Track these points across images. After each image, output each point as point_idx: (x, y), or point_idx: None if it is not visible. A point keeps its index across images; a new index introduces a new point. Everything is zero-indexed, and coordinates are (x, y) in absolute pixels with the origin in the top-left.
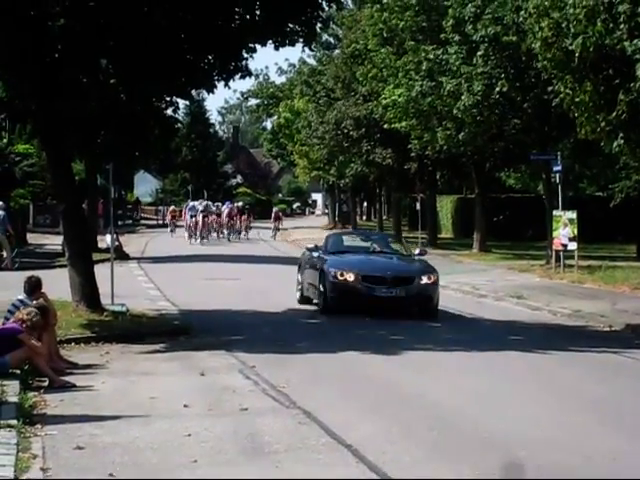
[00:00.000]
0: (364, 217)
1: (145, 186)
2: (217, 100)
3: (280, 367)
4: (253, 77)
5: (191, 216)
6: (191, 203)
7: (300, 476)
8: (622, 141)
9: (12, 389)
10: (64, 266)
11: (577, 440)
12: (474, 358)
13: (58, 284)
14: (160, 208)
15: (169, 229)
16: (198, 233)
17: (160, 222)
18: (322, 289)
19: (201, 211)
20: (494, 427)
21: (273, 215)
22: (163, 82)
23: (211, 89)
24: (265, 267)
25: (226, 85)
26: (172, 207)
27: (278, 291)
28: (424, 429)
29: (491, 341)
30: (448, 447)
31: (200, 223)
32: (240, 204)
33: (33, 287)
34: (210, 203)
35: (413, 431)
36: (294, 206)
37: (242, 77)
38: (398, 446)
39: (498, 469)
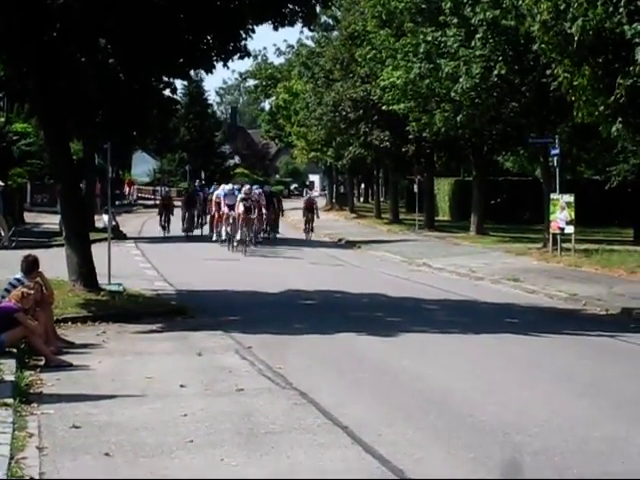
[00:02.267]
0: (361, 199)
1: (143, 166)
2: (215, 81)
3: (277, 348)
4: (251, 58)
5: (229, 207)
6: (223, 187)
7: (295, 457)
8: (620, 125)
9: (8, 368)
10: (61, 245)
11: (572, 424)
12: (470, 341)
13: (55, 263)
14: (157, 188)
15: (213, 233)
16: (238, 235)
17: (157, 202)
18: None
19: (241, 199)
20: (490, 410)
21: (305, 203)
22: (162, 62)
23: (210, 69)
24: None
25: (225, 65)
26: (217, 191)
27: (276, 272)
28: (420, 411)
29: (487, 324)
30: (444, 430)
31: (241, 219)
32: (266, 189)
33: (30, 266)
34: (253, 188)
35: (409, 413)
36: (292, 187)
37: (241, 57)
38: (394, 428)
39: (494, 453)
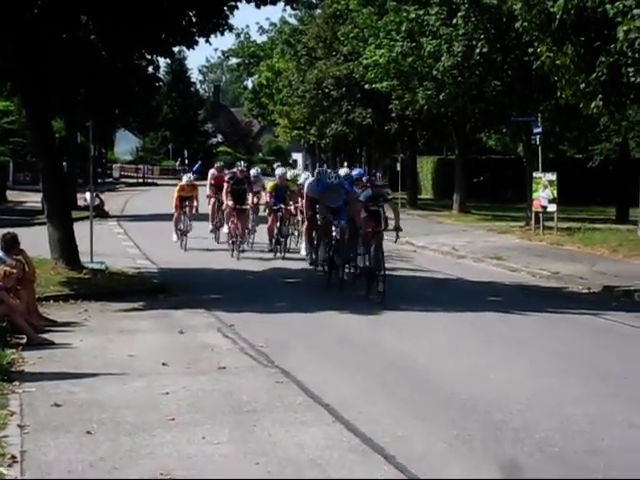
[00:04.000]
0: None
1: (125, 144)
2: (198, 59)
3: (259, 326)
4: (234, 36)
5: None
6: (254, 171)
7: (277, 435)
8: (601, 103)
9: None
10: (44, 224)
11: (554, 402)
12: (453, 319)
13: (37, 242)
14: (140, 167)
15: (212, 230)
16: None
17: (140, 180)
18: None
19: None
20: (472, 388)
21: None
22: (144, 39)
23: (192, 45)
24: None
25: (207, 41)
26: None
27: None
28: (402, 389)
29: (470, 302)
30: (426, 407)
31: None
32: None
33: (9, 244)
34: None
35: (391, 391)
36: (274, 165)
37: (222, 33)
38: (375, 406)
39: (476, 431)
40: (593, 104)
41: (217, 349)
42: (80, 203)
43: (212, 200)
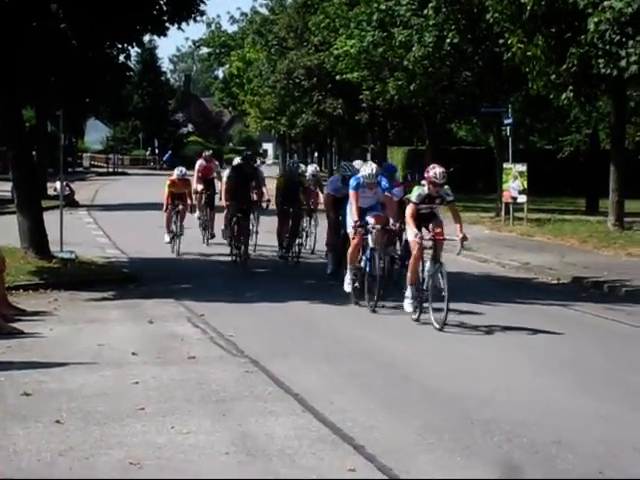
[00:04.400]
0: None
1: (96, 134)
2: (169, 48)
3: (229, 316)
4: (205, 26)
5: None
6: (312, 168)
7: (246, 425)
8: (571, 94)
9: None
10: (13, 213)
11: (522, 393)
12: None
13: (7, 231)
14: (110, 156)
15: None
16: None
17: (110, 170)
18: None
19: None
20: (442, 379)
21: None
22: (114, 27)
23: (162, 33)
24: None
25: (179, 28)
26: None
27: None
28: (371, 379)
29: None
30: (395, 397)
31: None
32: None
33: None
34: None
35: (361, 382)
36: (245, 154)
37: (194, 19)
38: (345, 396)
39: (444, 421)
40: (563, 95)
41: (187, 339)
42: (50, 192)
43: (203, 197)
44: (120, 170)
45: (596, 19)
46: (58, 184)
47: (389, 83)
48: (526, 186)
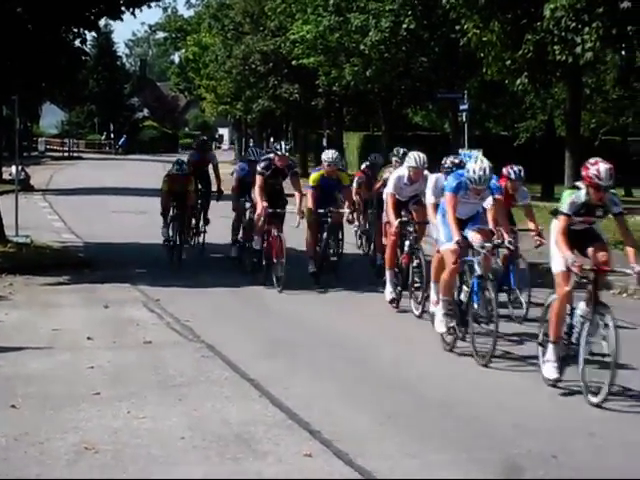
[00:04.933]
0: None
1: (51, 118)
2: (125, 33)
3: (185, 301)
4: (161, 10)
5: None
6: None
7: (202, 410)
8: (526, 80)
9: None
10: None
11: (479, 376)
12: (381, 297)
13: None
14: (66, 140)
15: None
16: None
17: (66, 154)
18: None
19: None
20: (397, 365)
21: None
22: (70, 11)
23: (117, 17)
24: None
25: (132, 14)
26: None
27: None
28: (327, 365)
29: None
30: (351, 383)
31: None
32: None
33: None
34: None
35: (317, 367)
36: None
37: (148, 4)
38: (301, 381)
39: (400, 405)
40: (519, 81)
41: (143, 323)
42: (5, 176)
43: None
44: (75, 155)
45: (552, 5)
46: (13, 168)
47: (345, 69)
48: None
